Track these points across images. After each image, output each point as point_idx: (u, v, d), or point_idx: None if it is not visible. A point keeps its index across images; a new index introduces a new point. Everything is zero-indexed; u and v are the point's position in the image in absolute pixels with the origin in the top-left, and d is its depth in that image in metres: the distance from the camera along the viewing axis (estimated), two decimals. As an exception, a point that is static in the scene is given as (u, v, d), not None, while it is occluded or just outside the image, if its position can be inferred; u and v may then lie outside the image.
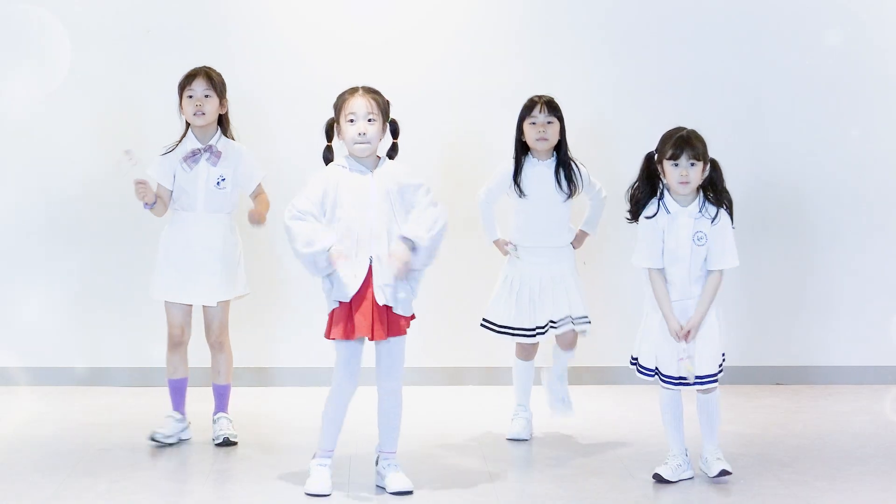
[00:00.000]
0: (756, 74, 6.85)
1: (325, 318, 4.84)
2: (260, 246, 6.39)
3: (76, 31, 6.69)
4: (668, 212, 4.90)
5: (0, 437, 5.63)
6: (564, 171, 5.62)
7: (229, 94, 5.64)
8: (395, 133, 4.88)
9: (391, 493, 4.78)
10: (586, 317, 5.64)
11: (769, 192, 6.75)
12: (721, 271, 4.90)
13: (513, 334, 5.63)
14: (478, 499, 4.76)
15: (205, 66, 5.55)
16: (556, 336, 5.67)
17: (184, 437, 5.54)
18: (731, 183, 5.03)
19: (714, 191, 4.91)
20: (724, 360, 4.95)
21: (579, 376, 6.41)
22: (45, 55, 6.70)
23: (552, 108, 5.61)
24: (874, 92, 6.90)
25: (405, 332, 4.84)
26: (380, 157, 4.88)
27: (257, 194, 5.59)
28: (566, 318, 5.59)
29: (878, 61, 6.88)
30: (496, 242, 5.76)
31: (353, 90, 4.85)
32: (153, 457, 5.30)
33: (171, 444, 5.46)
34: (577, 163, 5.68)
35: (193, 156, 5.46)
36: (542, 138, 5.59)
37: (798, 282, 6.92)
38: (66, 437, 5.62)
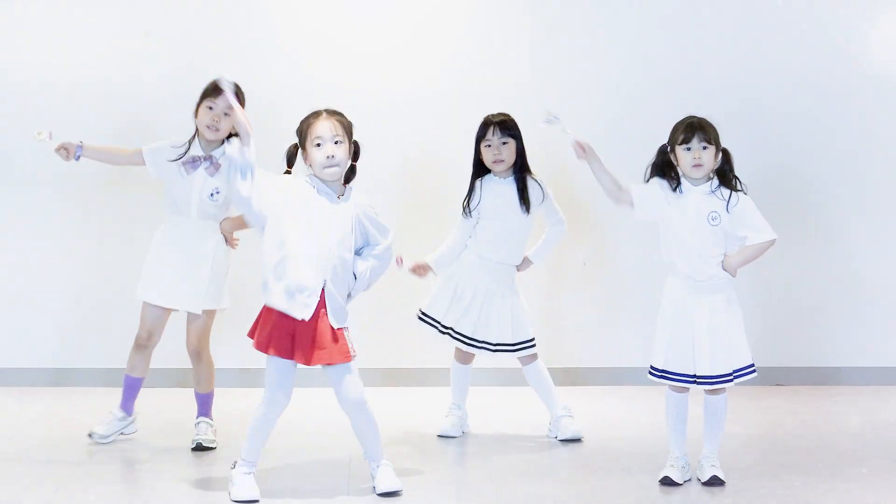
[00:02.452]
0: (758, 75, 6.85)
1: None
2: (251, 249, 6.38)
3: (76, 30, 6.70)
4: (681, 192, 4.90)
5: (0, 437, 5.63)
6: (523, 186, 5.54)
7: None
8: (355, 155, 4.76)
9: (378, 495, 4.70)
10: (532, 340, 5.60)
11: (769, 194, 6.74)
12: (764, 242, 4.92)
13: (454, 337, 5.58)
14: (478, 499, 4.76)
15: (235, 83, 5.36)
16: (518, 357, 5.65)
17: (126, 431, 5.55)
18: (732, 184, 5.04)
19: (726, 179, 4.90)
20: (749, 370, 4.94)
21: (582, 377, 6.41)
22: (45, 55, 6.71)
23: (505, 127, 5.54)
24: (876, 92, 6.90)
25: (350, 360, 4.67)
26: (345, 185, 4.73)
27: None
28: (505, 345, 5.56)
29: (879, 61, 6.89)
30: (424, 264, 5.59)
31: (317, 114, 4.73)
32: (153, 458, 5.29)
33: (107, 444, 5.44)
34: (541, 184, 5.60)
35: (193, 162, 5.41)
36: (497, 160, 5.54)
37: (799, 283, 6.93)
38: (66, 437, 5.61)
